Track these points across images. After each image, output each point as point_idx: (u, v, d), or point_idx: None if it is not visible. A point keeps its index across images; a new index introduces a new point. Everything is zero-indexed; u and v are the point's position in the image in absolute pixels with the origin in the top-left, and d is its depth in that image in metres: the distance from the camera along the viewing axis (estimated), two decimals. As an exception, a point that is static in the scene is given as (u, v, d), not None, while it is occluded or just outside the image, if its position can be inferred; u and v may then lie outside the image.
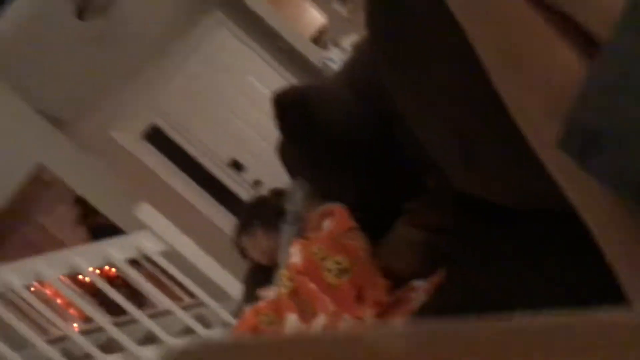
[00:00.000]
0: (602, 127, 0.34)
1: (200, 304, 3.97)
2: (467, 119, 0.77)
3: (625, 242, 0.39)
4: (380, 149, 1.51)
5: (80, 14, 4.22)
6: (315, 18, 6.40)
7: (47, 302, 4.44)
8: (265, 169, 5.51)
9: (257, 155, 5.57)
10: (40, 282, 4.74)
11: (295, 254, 1.53)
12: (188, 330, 3.76)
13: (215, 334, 3.66)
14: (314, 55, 5.52)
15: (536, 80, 0.40)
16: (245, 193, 5.56)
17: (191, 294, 4.14)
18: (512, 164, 0.71)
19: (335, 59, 5.06)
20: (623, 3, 0.34)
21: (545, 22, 0.40)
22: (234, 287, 3.82)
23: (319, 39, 6.11)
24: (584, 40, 0.38)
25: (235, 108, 5.63)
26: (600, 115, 0.34)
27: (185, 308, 4.00)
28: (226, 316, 3.67)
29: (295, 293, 1.45)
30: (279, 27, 5.46)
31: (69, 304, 5.44)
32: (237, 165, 5.60)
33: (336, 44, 5.53)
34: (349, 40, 5.32)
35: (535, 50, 0.40)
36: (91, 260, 3.57)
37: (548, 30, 0.40)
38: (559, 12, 0.39)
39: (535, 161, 0.58)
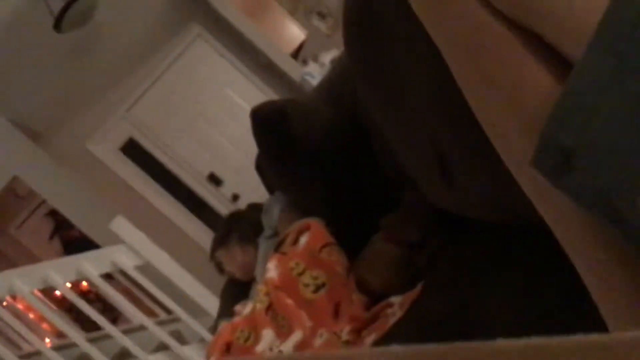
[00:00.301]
0: (575, 146, 0.34)
1: (176, 319, 3.92)
2: (445, 138, 0.78)
3: (597, 259, 0.39)
4: (356, 164, 1.52)
5: (57, 25, 4.18)
6: (296, 34, 6.43)
7: (19, 316, 4.35)
8: (244, 183, 5.49)
9: (236, 169, 5.55)
10: (13, 296, 4.66)
11: (272, 269, 1.52)
12: (163, 346, 3.71)
13: (190, 350, 3.62)
14: (294, 70, 5.53)
15: (509, 99, 0.41)
16: (223, 207, 5.53)
17: (167, 310, 4.08)
18: (491, 180, 0.71)
19: (314, 74, 5.07)
20: (592, 24, 0.34)
21: (519, 42, 0.40)
22: (211, 303, 3.78)
23: (299, 55, 6.13)
24: (558, 61, 0.39)
25: (214, 121, 5.61)
26: (573, 135, 0.34)
27: (161, 324, 3.95)
28: (202, 332, 3.63)
29: (271, 308, 1.45)
30: (258, 41, 5.47)
31: (42, 319, 5.35)
32: (215, 180, 5.57)
33: (315, 60, 5.55)
34: (329, 56, 5.34)
35: (508, 70, 0.41)
36: (65, 274, 3.51)
37: (521, 50, 0.40)
38: (533, 33, 0.40)
39: (507, 171, 0.59)
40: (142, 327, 3.74)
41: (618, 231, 0.35)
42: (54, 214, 6.10)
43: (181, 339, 3.92)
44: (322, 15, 6.17)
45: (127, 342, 3.50)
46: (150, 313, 4.21)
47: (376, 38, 0.97)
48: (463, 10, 0.43)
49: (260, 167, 2.06)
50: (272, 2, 6.34)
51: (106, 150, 5.48)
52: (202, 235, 5.47)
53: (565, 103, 0.35)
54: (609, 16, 0.33)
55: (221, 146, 5.65)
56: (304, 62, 5.71)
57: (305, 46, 6.17)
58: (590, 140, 0.34)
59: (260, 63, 5.65)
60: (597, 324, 0.59)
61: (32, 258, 6.09)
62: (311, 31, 6.18)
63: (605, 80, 0.33)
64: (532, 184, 0.43)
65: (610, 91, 0.33)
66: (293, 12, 6.30)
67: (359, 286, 1.37)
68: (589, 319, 0.60)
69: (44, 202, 5.95)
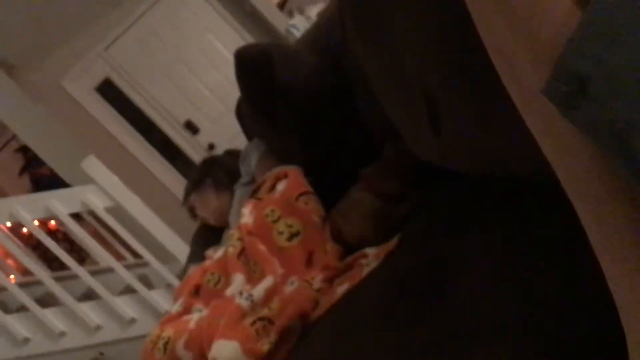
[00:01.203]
0: (593, 74, 0.32)
1: (144, 264, 3.91)
2: (435, 81, 0.75)
3: (601, 199, 0.38)
4: (338, 115, 1.49)
5: (37, -46, 4.03)
6: (282, -16, 6.29)
7: (-16, 251, 4.30)
8: (220, 133, 5.43)
9: (213, 119, 5.47)
10: (-22, 230, 4.59)
11: (246, 215, 1.50)
12: (130, 290, 3.70)
13: (157, 294, 3.61)
14: (279, 21, 5.42)
15: (524, 24, 0.39)
16: (197, 156, 5.47)
17: (135, 254, 4.07)
18: (481, 125, 0.70)
19: (299, 26, 4.99)
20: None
21: None
22: (180, 249, 3.77)
23: (285, 6, 6.02)
24: None
25: (194, 68, 5.50)
26: (591, 62, 0.32)
27: (128, 267, 3.93)
28: (170, 277, 3.62)
29: (244, 253, 1.43)
30: (244, -12, 5.35)
31: (7, 255, 5.29)
32: (191, 127, 5.50)
33: (302, 12, 5.45)
34: (315, 10, 5.24)
35: None
36: (33, 210, 3.45)
37: None
38: None
39: (506, 122, 0.57)
40: (109, 270, 3.72)
41: (627, 168, 0.34)
42: (24, 150, 5.99)
43: (148, 283, 3.91)
44: (311, -32, 6.04)
45: (93, 283, 3.48)
46: (118, 256, 4.19)
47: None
48: None
49: (240, 113, 2.02)
50: (261, -50, 6.18)
51: (81, 88, 5.36)
52: (175, 182, 5.43)
53: (585, 28, 0.33)
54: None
55: (200, 94, 5.56)
56: (290, 14, 5.60)
57: (292, -3, 6.06)
58: (608, 68, 0.32)
59: (245, 11, 5.54)
60: (585, 291, 0.58)
61: (0, 194, 5.99)
62: (299, -17, 6.06)
63: (632, 6, 0.31)
64: (539, 117, 0.41)
65: (635, 16, 0.31)
66: (282, -38, 6.16)
67: (333, 235, 1.36)
68: (575, 286, 0.60)
69: (14, 137, 5.83)
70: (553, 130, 0.40)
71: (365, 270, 1.12)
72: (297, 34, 4.88)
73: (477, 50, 0.46)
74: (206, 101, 5.54)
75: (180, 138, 5.61)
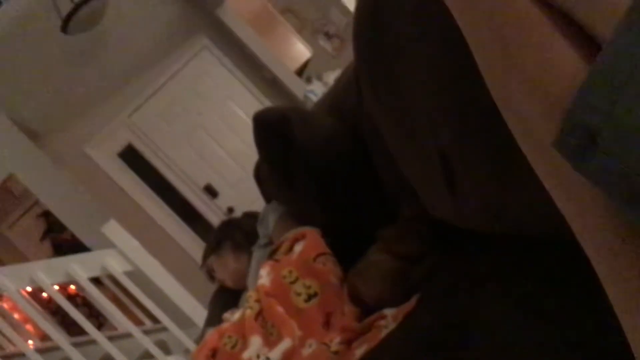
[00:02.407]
0: (602, 127, 0.33)
1: (163, 329, 3.87)
2: (449, 138, 0.76)
3: (616, 252, 0.37)
4: (356, 176, 1.50)
5: (65, 27, 4.18)
6: (301, 51, 6.46)
7: (4, 316, 4.29)
8: (239, 197, 5.47)
9: (232, 183, 5.53)
10: (-2, 295, 4.60)
11: (264, 276, 1.50)
12: (148, 355, 3.66)
13: (174, 360, 3.57)
14: (297, 87, 5.55)
15: (534, 80, 0.39)
16: (216, 220, 5.50)
17: (154, 318, 4.04)
18: (496, 183, 0.70)
19: (317, 92, 5.09)
20: (626, 2, 0.33)
21: (547, 20, 0.39)
22: (199, 314, 3.74)
23: (303, 73, 6.16)
24: (586, 40, 0.38)
25: (214, 134, 5.60)
26: (600, 115, 0.33)
27: (147, 332, 3.90)
28: (188, 343, 3.58)
29: (261, 315, 1.42)
30: (264, 56, 5.49)
31: (27, 320, 5.28)
32: (211, 191, 5.55)
33: (319, 78, 5.57)
34: (333, 76, 5.36)
35: (534, 50, 0.39)
36: (53, 275, 3.47)
37: (549, 29, 0.39)
38: (561, 11, 0.38)
39: (523, 179, 0.57)
40: (127, 335, 3.69)
41: (638, 219, 0.34)
42: (46, 215, 6.07)
43: (166, 348, 3.87)
44: (328, 36, 6.21)
45: (111, 348, 3.45)
46: (136, 321, 4.16)
47: (384, 43, 0.97)
48: None
49: (259, 175, 2.04)
50: (280, 19, 6.38)
51: (104, 154, 5.47)
52: (194, 246, 5.44)
53: (593, 81, 0.34)
54: (643, -7, 0.32)
55: (220, 159, 5.64)
56: (308, 80, 5.73)
57: (310, 64, 6.21)
58: (617, 121, 0.32)
59: (264, 78, 5.67)
60: (606, 342, 0.57)
61: (21, 259, 6.04)
62: (317, 50, 6.22)
63: (636, 58, 0.32)
64: (551, 171, 0.41)
65: None
66: (300, 30, 6.34)
67: (351, 297, 1.34)
68: (596, 338, 0.59)
69: (37, 202, 5.92)
70: (565, 183, 0.40)
71: (384, 332, 1.10)
72: (315, 99, 4.98)
73: (490, 106, 0.46)
74: (226, 166, 5.62)
75: (199, 202, 5.65)
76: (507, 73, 0.42)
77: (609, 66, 0.33)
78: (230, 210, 5.55)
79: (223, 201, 5.59)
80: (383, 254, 1.29)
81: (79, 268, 3.51)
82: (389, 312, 1.18)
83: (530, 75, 0.40)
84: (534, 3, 0.39)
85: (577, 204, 0.40)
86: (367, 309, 1.31)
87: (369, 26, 1.04)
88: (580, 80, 0.35)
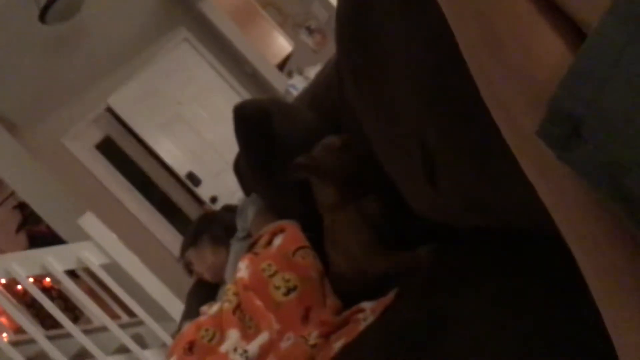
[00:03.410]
0: (586, 116, 0.32)
1: (139, 322, 3.83)
2: (431, 132, 0.76)
3: (598, 242, 0.37)
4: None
5: (43, 16, 4.11)
6: (283, 46, 6.44)
7: (-23, 308, 4.21)
8: (222, 187, 5.43)
9: (214, 172, 5.49)
10: (-29, 288, 4.52)
11: (242, 269, 1.49)
12: (124, 349, 3.62)
13: (151, 354, 3.53)
14: (278, 81, 5.53)
15: (519, 67, 0.39)
16: (195, 213, 5.46)
17: (130, 312, 4.00)
18: (476, 175, 0.70)
19: (298, 86, 5.07)
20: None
21: (532, 8, 0.39)
22: (176, 308, 3.71)
23: (284, 67, 6.14)
24: (571, 28, 0.37)
25: (194, 124, 5.55)
26: (583, 103, 0.32)
27: (123, 326, 3.86)
28: (165, 337, 3.55)
29: (239, 308, 1.41)
30: (245, 50, 5.46)
31: (1, 313, 5.20)
32: (193, 179, 5.49)
33: (301, 73, 5.55)
34: (314, 71, 5.35)
35: (519, 36, 0.39)
36: (28, 267, 3.41)
37: (534, 16, 0.39)
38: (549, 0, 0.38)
39: (504, 173, 0.57)
40: (103, 328, 3.66)
41: (621, 209, 0.33)
42: (22, 206, 5.99)
43: (142, 342, 3.84)
44: (310, 30, 6.20)
45: (86, 342, 3.42)
46: (112, 314, 4.12)
47: (368, 37, 0.96)
48: None
49: (238, 168, 2.03)
50: (262, 13, 6.35)
51: (82, 146, 5.41)
52: (172, 239, 5.41)
53: (577, 70, 0.33)
54: (628, -19, 0.32)
55: (201, 149, 5.60)
56: (289, 75, 5.72)
57: (291, 59, 6.19)
58: (601, 110, 0.32)
59: (245, 72, 5.64)
60: (585, 337, 0.57)
61: (-5, 250, 5.95)
62: (298, 45, 6.20)
63: (621, 47, 0.31)
64: (534, 161, 0.41)
65: (625, 58, 0.31)
66: (282, 25, 6.32)
67: (334, 276, 1.34)
68: (573, 342, 0.59)
69: (12, 193, 5.83)
70: (548, 173, 0.40)
71: (362, 325, 1.10)
72: (296, 93, 4.97)
73: (474, 100, 0.46)
74: (207, 156, 5.58)
75: (178, 195, 5.61)
76: (491, 61, 0.42)
77: (593, 55, 0.33)
78: (214, 199, 5.52)
79: (206, 190, 5.54)
80: (331, 212, 1.30)
81: (55, 260, 3.46)
82: (367, 305, 1.17)
83: (515, 63, 0.40)
84: None
85: (560, 194, 0.40)
86: (349, 293, 1.31)
87: (351, 20, 1.04)
88: (564, 68, 0.35)
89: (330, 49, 1.27)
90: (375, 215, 1.23)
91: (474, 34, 0.43)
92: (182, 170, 5.54)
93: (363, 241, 1.24)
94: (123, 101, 5.47)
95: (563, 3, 0.37)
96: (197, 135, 5.60)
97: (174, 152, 5.56)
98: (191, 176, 5.54)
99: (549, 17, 0.38)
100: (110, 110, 5.49)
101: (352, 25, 1.04)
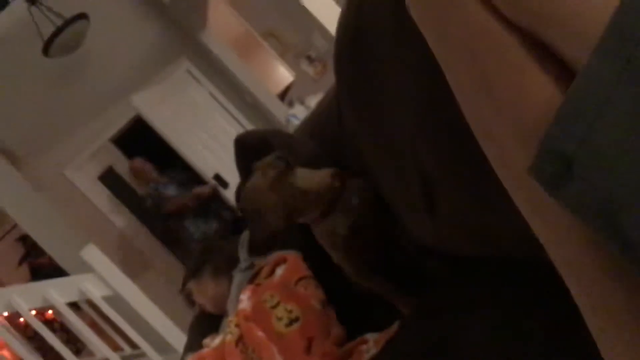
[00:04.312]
0: (577, 153, 0.33)
1: (142, 354, 3.81)
2: (429, 162, 0.76)
3: (595, 281, 0.37)
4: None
5: (46, 49, 4.17)
6: (284, 76, 6.49)
7: (-22, 342, 4.19)
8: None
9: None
10: (-27, 321, 4.50)
11: (244, 300, 1.48)
12: (126, 382, 3.60)
13: (154, 386, 3.50)
14: (279, 111, 5.56)
15: (508, 105, 0.39)
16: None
17: (133, 344, 3.97)
18: (475, 208, 0.70)
19: (300, 116, 5.10)
20: (595, 28, 0.33)
21: (522, 48, 0.39)
22: (178, 339, 3.68)
23: (285, 96, 6.18)
24: (561, 69, 0.38)
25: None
26: (575, 142, 0.33)
27: (125, 358, 3.83)
28: (167, 369, 3.53)
29: (242, 340, 1.40)
30: (246, 80, 5.50)
31: (3, 346, 5.17)
32: (221, 181, 5.41)
33: (302, 102, 5.59)
34: (315, 100, 5.38)
35: (508, 76, 0.40)
36: (30, 300, 3.41)
37: (523, 56, 0.39)
38: (536, 39, 0.39)
39: (504, 203, 0.57)
40: (105, 361, 3.63)
41: (616, 246, 0.33)
42: (24, 239, 5.98)
43: (145, 375, 3.80)
44: (310, 60, 6.25)
45: (88, 374, 3.38)
46: (115, 346, 4.09)
47: (365, 63, 0.97)
48: (463, 14, 0.42)
49: (239, 196, 2.03)
50: (262, 44, 6.42)
51: (84, 177, 5.41)
52: (174, 270, 5.38)
53: (567, 108, 0.34)
54: (616, 20, 0.32)
55: (218, 163, 5.53)
56: (290, 104, 5.75)
57: (292, 88, 6.24)
58: (592, 148, 0.32)
59: (246, 102, 5.68)
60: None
61: (-2, 284, 5.93)
62: (299, 74, 6.25)
63: (610, 85, 0.32)
64: (527, 198, 0.41)
65: (615, 96, 0.32)
66: (282, 55, 6.38)
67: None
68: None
69: (15, 226, 5.83)
70: (542, 209, 0.40)
71: (365, 357, 1.09)
72: (297, 123, 4.99)
73: (468, 131, 0.46)
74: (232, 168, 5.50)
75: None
76: (481, 99, 0.42)
77: (582, 93, 0.33)
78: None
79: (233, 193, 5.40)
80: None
81: (57, 293, 3.45)
82: (371, 337, 1.17)
83: (505, 101, 0.40)
84: (507, 29, 0.40)
85: (553, 231, 0.40)
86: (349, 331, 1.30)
87: (349, 50, 1.05)
88: (554, 105, 0.35)
89: (331, 78, 1.29)
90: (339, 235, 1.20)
91: (463, 72, 0.43)
92: (209, 173, 5.45)
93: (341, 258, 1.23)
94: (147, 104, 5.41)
95: (551, 42, 0.38)
96: (221, 145, 5.51)
97: (199, 157, 5.47)
98: (218, 178, 5.47)
99: (539, 55, 0.39)
100: (111, 141, 5.50)
101: (350, 57, 1.05)
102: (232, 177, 5.41)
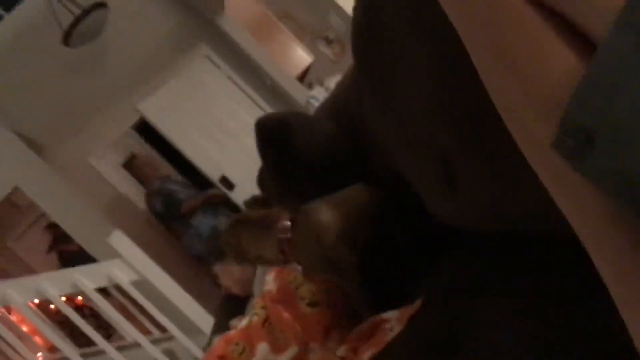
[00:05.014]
0: (598, 127, 0.33)
1: (170, 337, 3.88)
2: (450, 140, 0.77)
3: (621, 253, 0.37)
4: (357, 180, 1.51)
5: (66, 39, 4.20)
6: (302, 58, 6.47)
7: (12, 328, 4.30)
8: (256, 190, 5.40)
9: (249, 176, 5.45)
10: (7, 308, 4.61)
11: (270, 282, 1.50)
12: (156, 364, 3.66)
13: (183, 368, 3.58)
14: (299, 93, 5.55)
15: (530, 80, 0.40)
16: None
17: (161, 327, 4.04)
18: (497, 186, 0.70)
19: (319, 97, 5.09)
20: (622, 2, 0.33)
21: (543, 21, 0.39)
22: (206, 322, 3.74)
23: (305, 78, 6.17)
24: (582, 40, 0.38)
25: (217, 142, 5.59)
26: (595, 115, 0.33)
27: (155, 341, 3.90)
28: (196, 351, 3.58)
29: (268, 321, 1.42)
30: (265, 64, 5.50)
31: (35, 332, 5.29)
32: (226, 183, 5.48)
33: (321, 84, 5.57)
34: (334, 81, 5.36)
35: (531, 50, 0.40)
36: (60, 287, 3.48)
37: (545, 29, 0.39)
38: (557, 11, 0.39)
39: (524, 180, 0.57)
40: (135, 345, 3.70)
41: (638, 218, 0.34)
42: (52, 227, 6.08)
43: (174, 357, 3.87)
44: (328, 41, 6.22)
45: (120, 358, 3.46)
46: (144, 330, 4.17)
47: (382, 46, 0.97)
48: None
49: (262, 181, 2.04)
50: (280, 26, 6.39)
51: (108, 165, 5.48)
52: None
53: (588, 81, 0.34)
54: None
55: (227, 166, 5.60)
56: (310, 86, 5.74)
57: (311, 70, 6.22)
58: (613, 120, 0.32)
59: (265, 85, 5.68)
60: (602, 344, 0.57)
61: (29, 271, 6.04)
62: (317, 56, 6.23)
63: (631, 57, 0.32)
64: (550, 171, 0.41)
65: (636, 68, 0.32)
66: (300, 37, 6.35)
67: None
68: (593, 342, 0.59)
69: (43, 215, 5.93)
70: (566, 184, 0.40)
71: (389, 335, 1.10)
72: (317, 104, 4.98)
73: (490, 106, 0.47)
74: (233, 172, 5.57)
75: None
76: (502, 73, 0.42)
77: (604, 66, 0.33)
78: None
79: (240, 194, 5.47)
80: None
81: (86, 279, 3.52)
82: (390, 315, 1.17)
83: (526, 75, 0.40)
84: (535, 8, 0.40)
85: (578, 205, 0.40)
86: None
87: (366, 30, 1.05)
88: (576, 78, 0.35)
89: (349, 59, 1.29)
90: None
91: (485, 46, 0.44)
92: (215, 175, 5.51)
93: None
94: (154, 108, 5.49)
95: (572, 15, 0.38)
96: (218, 152, 5.60)
97: (206, 159, 5.54)
98: (225, 180, 5.52)
99: (560, 29, 0.39)
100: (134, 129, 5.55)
101: (366, 37, 1.05)
102: (239, 179, 5.50)
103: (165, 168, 5.67)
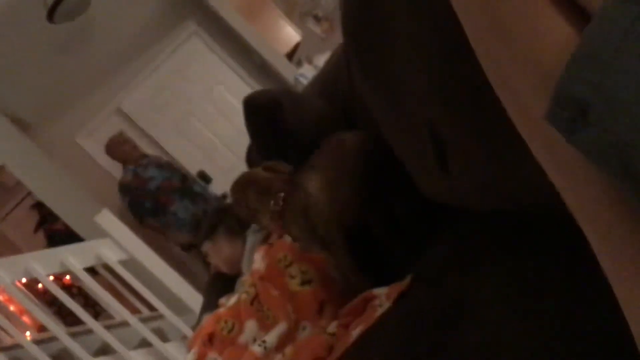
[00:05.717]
0: (592, 99, 0.32)
1: (159, 316, 3.87)
2: (441, 119, 0.76)
3: (612, 224, 0.37)
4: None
5: (51, 16, 4.14)
6: (291, 35, 6.42)
7: (0, 308, 4.29)
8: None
9: (226, 169, 5.50)
10: (-6, 288, 4.59)
11: (258, 260, 1.50)
12: (145, 343, 3.66)
13: (172, 347, 3.57)
14: (287, 71, 5.51)
15: (524, 52, 0.39)
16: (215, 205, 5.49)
17: (150, 306, 4.04)
18: (489, 163, 0.69)
19: (308, 75, 5.06)
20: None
21: None
22: (194, 300, 3.74)
23: (293, 56, 6.13)
24: (576, 13, 0.37)
25: (205, 120, 5.58)
26: (589, 87, 0.32)
27: (143, 320, 3.90)
28: (185, 329, 3.58)
29: (257, 299, 1.42)
30: (253, 41, 5.45)
31: (23, 311, 5.28)
32: (204, 177, 5.52)
33: (310, 62, 5.54)
34: (323, 59, 5.32)
35: (524, 21, 0.39)
36: (48, 266, 3.45)
37: (539, 1, 0.38)
38: None
39: (518, 157, 0.57)
40: (124, 323, 3.70)
41: (630, 190, 0.33)
42: (39, 206, 6.04)
43: (163, 336, 3.87)
44: (317, 19, 6.17)
45: (108, 337, 3.46)
46: (133, 309, 4.17)
47: (373, 21, 0.96)
48: None
49: (250, 159, 2.04)
50: (268, 3, 6.33)
51: (95, 144, 5.43)
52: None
53: (582, 54, 0.33)
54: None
55: (212, 145, 5.62)
56: (298, 64, 5.70)
57: (299, 48, 6.17)
58: (607, 93, 0.32)
59: (254, 63, 5.64)
60: (594, 314, 0.57)
61: (16, 251, 6.02)
62: (306, 33, 6.18)
63: (625, 30, 0.31)
64: (544, 144, 0.41)
65: (630, 41, 0.31)
66: (289, 14, 6.30)
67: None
68: (587, 316, 0.59)
69: (29, 194, 5.89)
70: (558, 156, 0.39)
71: (379, 312, 1.10)
72: (306, 82, 4.95)
73: (480, 82, 0.46)
74: (218, 152, 5.60)
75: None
76: (498, 45, 0.42)
77: (598, 37, 0.33)
78: (225, 196, 5.54)
79: (217, 187, 5.56)
80: None
81: (74, 258, 3.50)
82: (380, 291, 1.17)
83: (521, 47, 0.40)
84: None
85: (570, 177, 0.40)
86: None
87: (356, 5, 1.03)
88: (570, 51, 0.35)
89: (338, 37, 1.28)
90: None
91: (479, 18, 0.43)
92: (193, 169, 5.54)
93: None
94: (134, 100, 5.49)
95: None
96: (208, 131, 5.61)
97: (186, 149, 5.57)
98: (202, 175, 5.55)
99: (555, 1, 0.38)
100: (121, 107, 5.51)
101: (357, 11, 1.04)
102: (216, 173, 5.57)
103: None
